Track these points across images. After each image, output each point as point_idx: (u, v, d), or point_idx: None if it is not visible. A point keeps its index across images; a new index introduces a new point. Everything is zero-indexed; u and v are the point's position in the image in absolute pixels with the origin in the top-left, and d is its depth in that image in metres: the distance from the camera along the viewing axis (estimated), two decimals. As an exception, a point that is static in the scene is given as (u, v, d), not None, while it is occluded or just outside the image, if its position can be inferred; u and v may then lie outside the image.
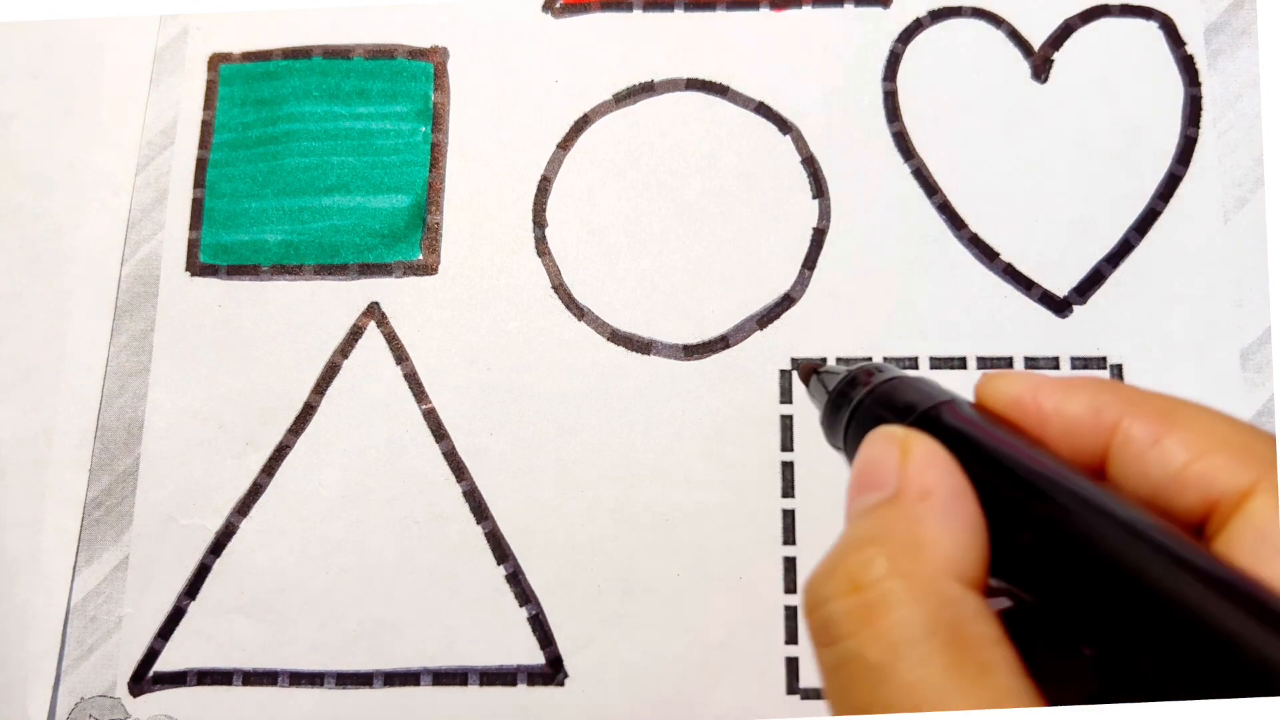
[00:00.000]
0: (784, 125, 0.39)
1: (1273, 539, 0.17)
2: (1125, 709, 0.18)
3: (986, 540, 0.19)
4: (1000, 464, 0.20)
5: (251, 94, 0.40)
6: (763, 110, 0.39)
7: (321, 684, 0.35)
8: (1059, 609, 0.19)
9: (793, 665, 0.34)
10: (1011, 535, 0.19)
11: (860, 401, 0.26)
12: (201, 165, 0.40)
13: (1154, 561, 0.17)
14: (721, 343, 0.37)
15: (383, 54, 0.40)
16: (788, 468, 0.36)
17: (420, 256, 0.38)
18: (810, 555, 0.35)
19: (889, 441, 0.21)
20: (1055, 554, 0.19)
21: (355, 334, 0.38)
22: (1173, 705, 0.17)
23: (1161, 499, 0.19)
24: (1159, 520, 0.18)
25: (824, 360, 0.33)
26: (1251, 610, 0.16)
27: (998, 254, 0.37)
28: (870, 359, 0.36)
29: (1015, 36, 0.39)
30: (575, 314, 0.37)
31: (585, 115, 0.39)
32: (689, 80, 0.39)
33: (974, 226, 0.37)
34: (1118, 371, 0.36)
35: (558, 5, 0.40)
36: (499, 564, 0.35)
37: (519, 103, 0.39)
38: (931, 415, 0.22)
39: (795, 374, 0.35)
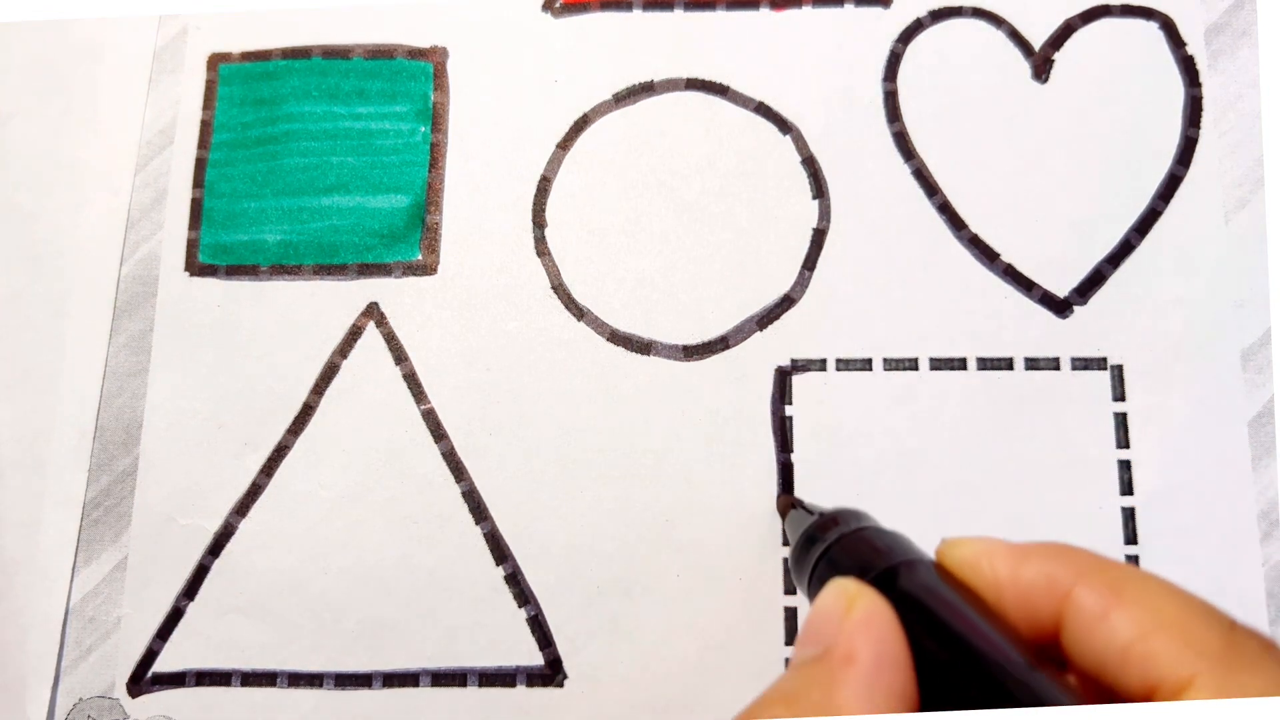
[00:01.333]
0: (784, 125, 0.38)
1: None
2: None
3: (913, 710, 0.19)
4: (936, 636, 0.20)
5: (251, 94, 0.40)
6: (763, 110, 0.39)
7: (321, 684, 0.35)
8: None
9: (792, 666, 0.34)
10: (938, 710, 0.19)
11: (827, 549, 0.25)
12: (201, 165, 0.40)
13: None
14: (721, 343, 0.37)
15: (382, 54, 0.40)
16: (787, 468, 0.36)
17: (420, 256, 0.38)
18: (810, 556, 0.35)
19: (839, 596, 0.21)
20: None
21: (354, 334, 0.38)
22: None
23: (1109, 673, 0.19)
24: (1082, 710, 0.18)
25: (799, 501, 0.33)
26: None
27: (998, 254, 0.37)
28: (869, 360, 0.36)
29: (1015, 36, 0.39)
30: (575, 314, 0.37)
31: (585, 115, 0.39)
32: (689, 80, 0.39)
33: (974, 227, 0.37)
34: (1118, 372, 0.36)
35: (558, 5, 0.40)
36: (498, 564, 0.35)
37: (519, 103, 0.39)
38: (888, 575, 0.22)
39: (776, 506, 0.35)
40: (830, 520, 0.27)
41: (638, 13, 0.40)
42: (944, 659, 0.20)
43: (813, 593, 0.26)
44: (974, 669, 0.19)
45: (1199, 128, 0.38)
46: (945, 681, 0.19)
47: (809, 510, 0.31)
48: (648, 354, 0.37)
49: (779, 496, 0.35)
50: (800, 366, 0.36)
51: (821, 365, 0.36)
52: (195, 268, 0.39)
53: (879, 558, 0.23)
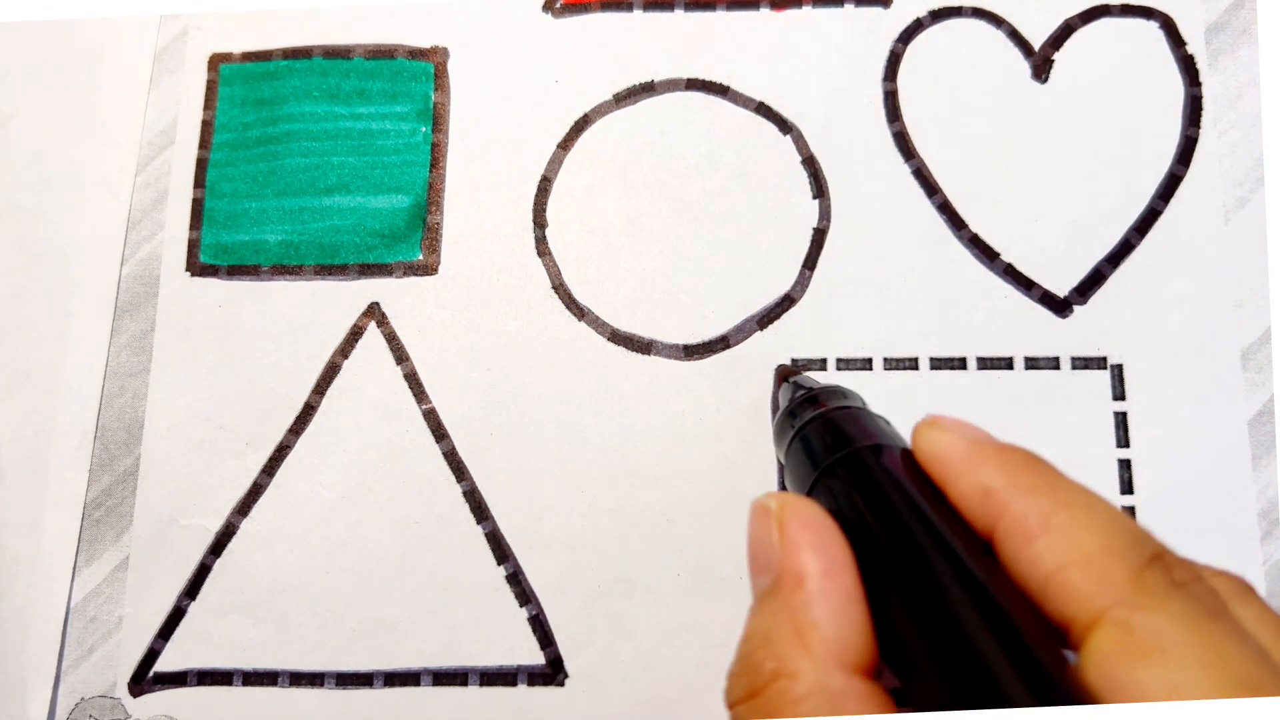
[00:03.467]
0: (784, 125, 0.39)
1: (1110, 674, 0.16)
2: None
3: (868, 614, 0.19)
4: (877, 534, 0.20)
5: (252, 94, 0.40)
6: (763, 110, 0.39)
7: (322, 684, 0.35)
8: (915, 692, 0.18)
9: (793, 665, 0.34)
10: (882, 613, 0.19)
11: (802, 426, 0.25)
12: (201, 165, 0.40)
13: (995, 655, 0.17)
14: (722, 343, 0.37)
15: (383, 54, 0.40)
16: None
17: (420, 256, 0.38)
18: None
19: (765, 518, 0.21)
20: (915, 638, 0.18)
21: (355, 334, 0.38)
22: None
23: (1034, 597, 0.19)
24: (1024, 613, 0.18)
25: (798, 371, 0.33)
26: None
27: (998, 254, 0.37)
28: (871, 359, 0.36)
29: (1015, 36, 0.39)
30: (575, 314, 0.37)
31: (585, 115, 0.39)
32: (689, 80, 0.39)
33: (974, 226, 0.37)
34: (1118, 371, 0.36)
35: (558, 5, 0.40)
36: (499, 564, 0.35)
37: (519, 103, 0.39)
38: (839, 464, 0.22)
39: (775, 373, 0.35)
40: (810, 399, 0.26)
41: (638, 13, 0.40)
42: (886, 552, 0.19)
43: (788, 470, 0.25)
44: (913, 563, 0.19)
45: (1199, 127, 0.38)
46: (886, 574, 0.19)
47: (798, 385, 0.30)
48: (648, 354, 0.37)
49: (780, 368, 0.35)
50: (801, 366, 0.36)
51: (822, 365, 0.36)
52: (196, 268, 0.39)
53: (841, 442, 0.23)
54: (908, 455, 0.22)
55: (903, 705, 0.18)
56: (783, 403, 0.30)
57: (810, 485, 0.23)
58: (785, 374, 0.33)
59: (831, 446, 0.23)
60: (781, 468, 0.36)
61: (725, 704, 0.20)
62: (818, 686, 0.18)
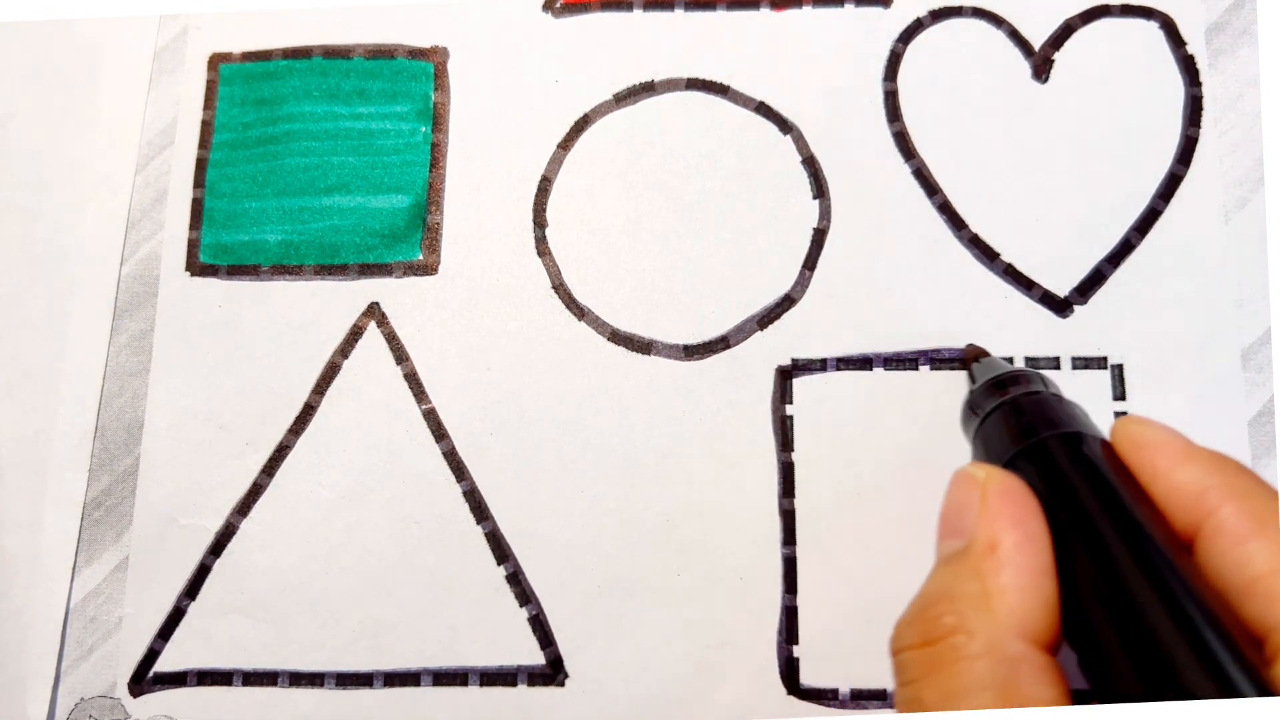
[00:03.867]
0: (784, 125, 0.39)
1: None
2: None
3: (1057, 592, 0.19)
4: (1079, 518, 0.20)
5: (251, 94, 0.40)
6: (763, 110, 0.39)
7: (321, 684, 0.35)
8: (1095, 674, 0.18)
9: (793, 665, 0.34)
10: (1072, 594, 0.19)
11: (993, 409, 0.26)
12: (201, 165, 0.40)
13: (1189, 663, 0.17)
14: (722, 343, 0.37)
15: (383, 54, 0.40)
16: (788, 468, 0.36)
17: (420, 256, 0.38)
18: (810, 555, 0.35)
19: (969, 485, 0.21)
20: (1107, 623, 0.18)
21: (355, 334, 0.38)
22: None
23: (1232, 598, 0.19)
24: (1218, 616, 0.18)
25: (986, 353, 0.33)
26: None
27: (998, 254, 0.37)
28: (871, 360, 0.36)
29: (1015, 36, 0.39)
30: (575, 314, 0.37)
31: (585, 115, 0.39)
32: (689, 80, 0.39)
33: (974, 227, 0.37)
34: (1118, 371, 0.36)
35: (558, 5, 0.40)
36: (499, 564, 0.35)
37: (519, 103, 0.39)
38: (1043, 445, 0.22)
39: (964, 354, 0.35)
40: (1007, 378, 0.27)
41: (638, 13, 0.40)
42: (1082, 538, 0.20)
43: (976, 449, 0.26)
44: (1114, 550, 0.19)
45: (1199, 127, 0.38)
46: (1082, 556, 0.20)
47: (988, 368, 0.31)
48: (648, 354, 0.37)
49: (967, 346, 0.35)
50: (801, 366, 0.36)
51: (822, 365, 0.36)
52: (196, 268, 0.39)
53: (1045, 424, 0.23)
54: (1108, 446, 0.22)
55: (1087, 685, 0.19)
56: (979, 378, 0.30)
57: (1007, 462, 0.24)
58: (975, 354, 0.33)
59: (1031, 428, 0.23)
60: (787, 467, 0.36)
61: (890, 649, 0.21)
62: (993, 648, 0.18)
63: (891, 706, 0.34)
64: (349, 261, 0.38)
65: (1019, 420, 0.25)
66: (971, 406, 0.28)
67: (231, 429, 0.37)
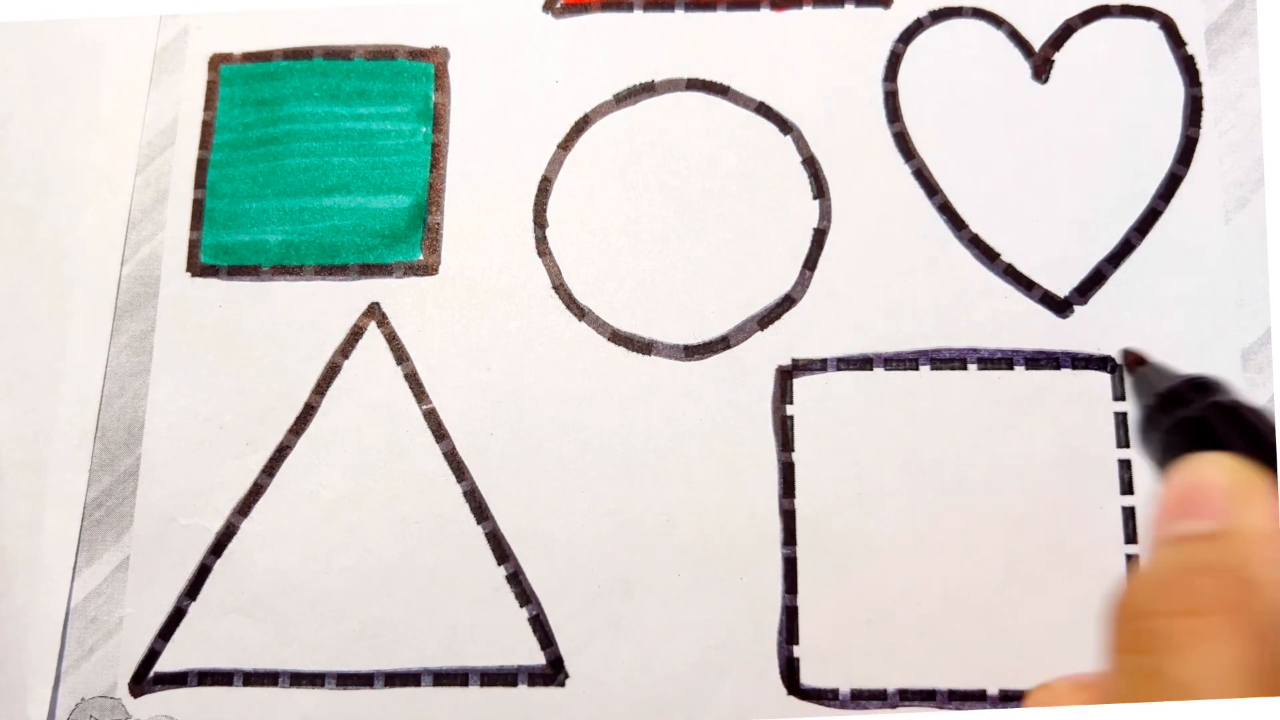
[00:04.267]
0: (784, 125, 0.39)
1: None
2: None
3: None
4: None
5: (252, 94, 0.40)
6: (763, 110, 0.39)
7: (322, 684, 0.35)
8: None
9: (793, 665, 0.34)
10: None
11: (1194, 416, 0.25)
12: (202, 165, 0.40)
13: None
14: (722, 343, 0.37)
15: (383, 54, 0.40)
16: (788, 468, 0.36)
17: (420, 257, 0.38)
18: (810, 555, 0.35)
19: (1221, 471, 0.21)
20: None
21: (356, 334, 0.38)
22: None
23: None
24: None
25: (1147, 357, 0.33)
26: None
27: (998, 254, 0.37)
28: (871, 360, 0.36)
29: (1015, 37, 0.39)
30: (576, 314, 0.37)
31: (586, 115, 0.39)
32: (689, 80, 0.39)
33: (974, 227, 0.37)
34: (1119, 372, 0.36)
35: (558, 5, 0.40)
36: (499, 564, 0.35)
37: (519, 103, 0.39)
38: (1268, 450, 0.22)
39: (1121, 358, 0.35)
40: (1198, 383, 0.26)
41: (638, 13, 0.40)
42: None
43: (1164, 456, 0.25)
44: None
45: (1199, 127, 0.38)
46: None
47: (1160, 371, 0.30)
48: (649, 354, 0.37)
49: (1124, 351, 0.35)
50: (801, 366, 0.36)
51: (822, 365, 0.36)
52: (197, 268, 0.39)
53: (1264, 432, 0.23)
54: None
55: None
56: (1142, 391, 0.29)
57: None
58: (1133, 360, 0.33)
59: (1241, 438, 0.23)
60: (787, 467, 0.36)
61: (1124, 610, 0.19)
62: (1258, 633, 0.18)
63: (892, 707, 0.34)
64: (349, 262, 0.38)
65: (1230, 426, 0.24)
66: (1158, 411, 0.27)
67: (232, 429, 0.37)
